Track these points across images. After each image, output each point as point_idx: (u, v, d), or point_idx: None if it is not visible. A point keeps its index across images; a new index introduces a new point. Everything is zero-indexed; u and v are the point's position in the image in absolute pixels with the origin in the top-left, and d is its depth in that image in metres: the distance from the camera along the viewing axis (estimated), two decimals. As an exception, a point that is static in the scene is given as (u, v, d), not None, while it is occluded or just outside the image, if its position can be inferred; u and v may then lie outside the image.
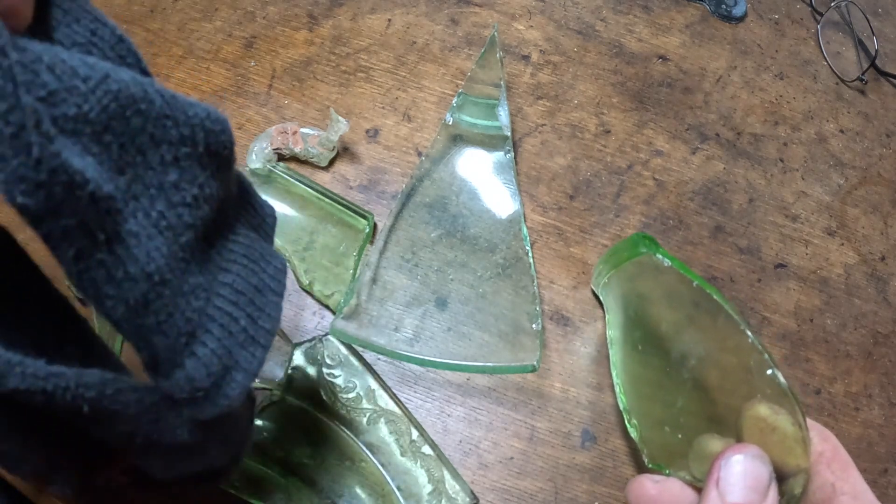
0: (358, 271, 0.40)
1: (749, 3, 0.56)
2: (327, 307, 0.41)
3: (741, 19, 0.55)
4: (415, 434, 0.37)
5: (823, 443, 0.27)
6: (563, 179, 0.46)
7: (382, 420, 0.37)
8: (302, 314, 0.41)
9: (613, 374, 0.37)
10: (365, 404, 0.37)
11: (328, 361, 0.38)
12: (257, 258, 0.22)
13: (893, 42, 0.56)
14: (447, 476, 0.36)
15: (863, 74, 0.52)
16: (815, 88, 0.53)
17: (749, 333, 0.29)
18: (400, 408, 0.38)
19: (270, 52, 0.49)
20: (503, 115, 0.45)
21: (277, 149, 0.44)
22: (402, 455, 0.36)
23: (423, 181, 0.44)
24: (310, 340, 0.39)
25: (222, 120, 0.20)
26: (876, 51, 0.52)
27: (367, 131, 0.47)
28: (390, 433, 0.37)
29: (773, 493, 0.24)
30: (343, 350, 0.39)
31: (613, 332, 0.38)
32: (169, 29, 0.50)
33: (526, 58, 0.51)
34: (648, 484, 0.29)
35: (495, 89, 0.45)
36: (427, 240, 0.42)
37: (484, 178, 0.44)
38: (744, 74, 0.52)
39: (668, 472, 0.30)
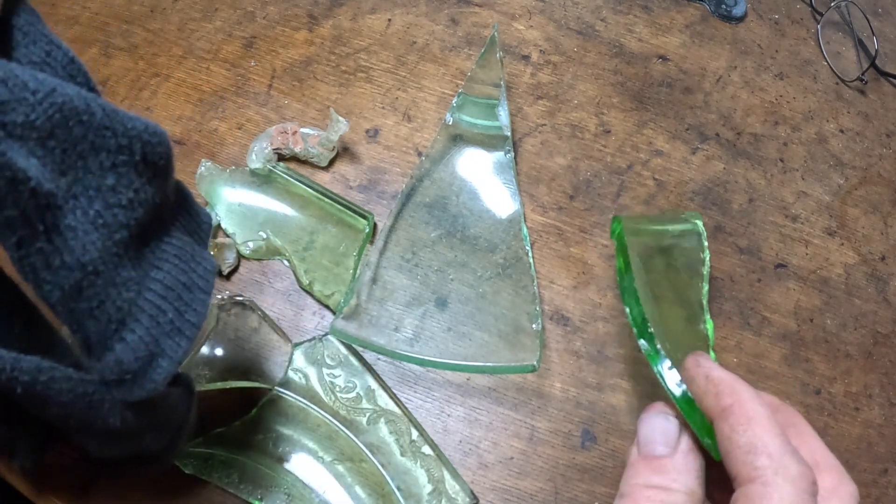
0: (358, 271, 0.40)
1: (749, 3, 0.56)
2: (327, 307, 0.41)
3: (741, 19, 0.55)
4: (415, 434, 0.37)
5: (729, 397, 0.26)
6: (563, 179, 0.46)
7: (382, 420, 0.37)
8: (302, 314, 0.41)
9: (626, 296, 0.35)
10: (365, 404, 0.37)
11: (328, 361, 0.38)
12: (188, 259, 0.25)
13: (893, 42, 0.56)
14: (447, 476, 0.36)
15: (863, 74, 0.52)
16: (815, 88, 0.53)
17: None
18: (400, 408, 0.38)
19: (270, 52, 0.49)
20: (503, 115, 0.45)
21: (277, 149, 0.44)
22: (401, 455, 0.36)
23: (423, 181, 0.44)
24: (310, 340, 0.39)
25: (160, 133, 0.23)
26: (876, 51, 0.52)
27: (367, 131, 0.47)
28: (390, 433, 0.37)
29: (684, 443, 0.27)
30: (343, 350, 0.39)
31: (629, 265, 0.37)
32: (169, 29, 0.50)
33: (526, 58, 0.51)
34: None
35: (495, 89, 0.45)
36: (427, 240, 0.42)
37: (484, 178, 0.44)
38: (744, 74, 0.52)
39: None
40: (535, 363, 0.37)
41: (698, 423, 0.27)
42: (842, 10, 0.57)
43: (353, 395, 0.38)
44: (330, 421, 0.37)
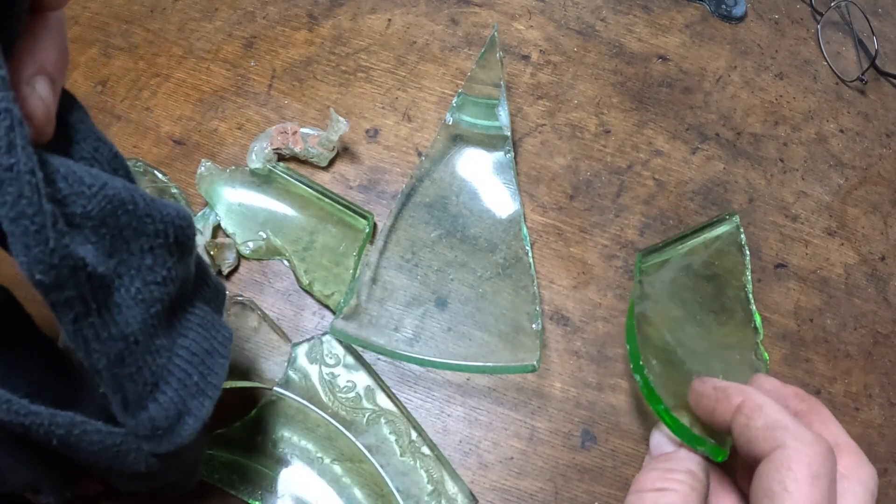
0: (358, 271, 0.40)
1: (749, 3, 0.56)
2: (327, 307, 0.41)
3: (741, 19, 0.55)
4: (414, 434, 0.37)
5: (738, 396, 0.29)
6: (563, 179, 0.46)
7: (382, 420, 0.37)
8: (302, 314, 0.41)
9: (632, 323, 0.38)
10: (364, 404, 0.37)
11: (328, 361, 0.38)
12: (209, 327, 0.28)
13: (893, 42, 0.56)
14: (446, 476, 0.36)
15: (863, 74, 0.52)
16: (815, 88, 0.53)
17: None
18: (399, 408, 0.38)
19: (270, 52, 0.49)
20: (503, 115, 0.45)
21: (277, 149, 0.44)
22: (401, 455, 0.36)
23: (423, 181, 0.44)
24: (309, 340, 0.39)
25: (188, 217, 0.26)
26: (876, 51, 0.52)
27: (367, 131, 0.47)
28: (390, 433, 0.37)
29: (682, 451, 0.32)
30: (343, 350, 0.39)
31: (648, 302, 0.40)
32: (169, 29, 0.50)
33: (526, 58, 0.51)
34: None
35: (495, 89, 0.45)
36: (427, 240, 0.42)
37: (484, 178, 0.44)
38: (744, 74, 0.52)
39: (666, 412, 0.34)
40: (535, 363, 0.37)
41: (688, 436, 0.32)
42: (842, 10, 0.57)
43: (352, 395, 0.38)
44: (329, 421, 0.37)
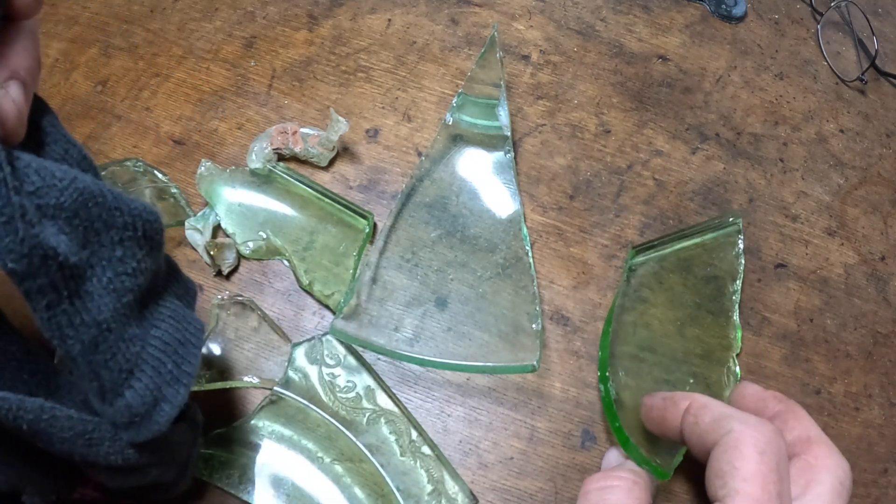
0: (358, 271, 0.40)
1: (749, 3, 0.56)
2: (327, 307, 0.41)
3: (741, 19, 0.55)
4: (414, 434, 0.37)
5: (684, 400, 0.32)
6: (563, 179, 0.46)
7: (382, 420, 0.37)
8: (302, 314, 0.41)
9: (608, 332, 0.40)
10: (364, 404, 0.37)
11: (328, 361, 0.38)
12: (181, 319, 0.29)
13: (893, 42, 0.56)
14: (446, 476, 0.36)
15: (863, 74, 0.52)
16: (815, 88, 0.53)
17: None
18: (399, 408, 0.38)
19: (270, 52, 0.49)
20: (503, 115, 0.45)
21: (277, 149, 0.44)
22: (401, 455, 0.36)
23: (423, 181, 0.44)
24: (309, 340, 0.39)
25: (155, 213, 0.27)
26: (876, 51, 0.52)
27: (367, 131, 0.47)
28: (390, 433, 0.37)
29: (628, 465, 0.34)
30: (343, 350, 0.39)
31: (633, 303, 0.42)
32: (169, 29, 0.50)
33: (526, 58, 0.51)
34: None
35: (495, 89, 0.45)
36: (427, 240, 0.42)
37: (484, 178, 0.44)
38: (744, 74, 0.52)
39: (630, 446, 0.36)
40: (535, 363, 0.37)
41: (636, 455, 0.35)
42: (842, 10, 0.57)
43: (352, 394, 0.38)
44: (329, 421, 0.37)
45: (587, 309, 0.42)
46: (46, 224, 0.22)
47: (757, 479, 0.26)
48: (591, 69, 0.51)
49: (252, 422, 0.37)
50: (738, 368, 0.39)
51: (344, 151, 0.46)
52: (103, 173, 0.41)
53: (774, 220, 0.47)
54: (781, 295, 0.44)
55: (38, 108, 0.26)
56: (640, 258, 0.42)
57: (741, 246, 0.42)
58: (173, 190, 0.42)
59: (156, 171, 0.43)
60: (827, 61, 0.54)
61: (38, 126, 0.25)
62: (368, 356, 0.39)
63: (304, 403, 0.37)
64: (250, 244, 0.41)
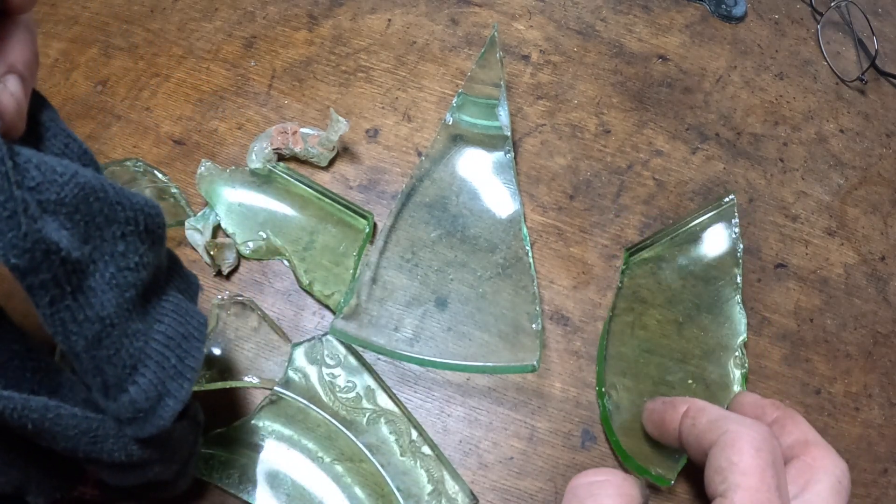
0: (358, 271, 0.40)
1: (749, 3, 0.56)
2: (327, 307, 0.41)
3: (741, 19, 0.55)
4: (414, 434, 0.37)
5: (682, 404, 0.33)
6: (563, 179, 0.46)
7: (382, 420, 0.37)
8: (302, 314, 0.41)
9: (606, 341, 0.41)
10: (365, 404, 0.37)
11: (328, 361, 0.38)
12: (184, 313, 0.29)
13: (893, 42, 0.56)
14: (447, 476, 0.36)
15: (863, 74, 0.52)
16: (815, 88, 0.53)
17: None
18: (399, 408, 0.38)
19: (270, 52, 0.49)
20: (503, 115, 0.45)
21: (277, 149, 0.44)
22: (401, 455, 0.36)
23: (423, 181, 0.44)
24: (310, 340, 0.39)
25: (156, 206, 0.27)
26: (876, 51, 0.52)
27: (367, 131, 0.47)
28: (390, 433, 0.37)
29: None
30: (343, 350, 0.39)
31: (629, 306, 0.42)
32: (169, 29, 0.50)
33: (526, 58, 0.51)
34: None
35: (495, 89, 0.45)
36: (427, 240, 0.42)
37: (484, 178, 0.44)
38: (744, 74, 0.52)
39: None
40: (535, 363, 0.37)
41: (634, 465, 0.36)
42: (842, 10, 0.57)
43: (352, 394, 0.38)
44: (329, 421, 0.37)
45: (587, 309, 0.42)
46: (48, 219, 0.22)
47: (755, 472, 0.27)
48: (591, 69, 0.51)
49: (252, 422, 0.37)
50: (745, 358, 0.40)
51: (344, 151, 0.46)
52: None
53: (774, 220, 0.47)
54: (781, 295, 0.44)
55: (38, 103, 0.25)
56: (636, 259, 0.42)
57: (737, 229, 0.42)
58: (173, 190, 0.42)
59: (156, 171, 0.43)
60: (827, 61, 0.54)
61: (38, 121, 0.25)
62: (368, 356, 0.39)
63: (304, 403, 0.37)
64: (250, 244, 0.41)
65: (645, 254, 0.42)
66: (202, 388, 0.37)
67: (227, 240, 0.41)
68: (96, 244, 0.24)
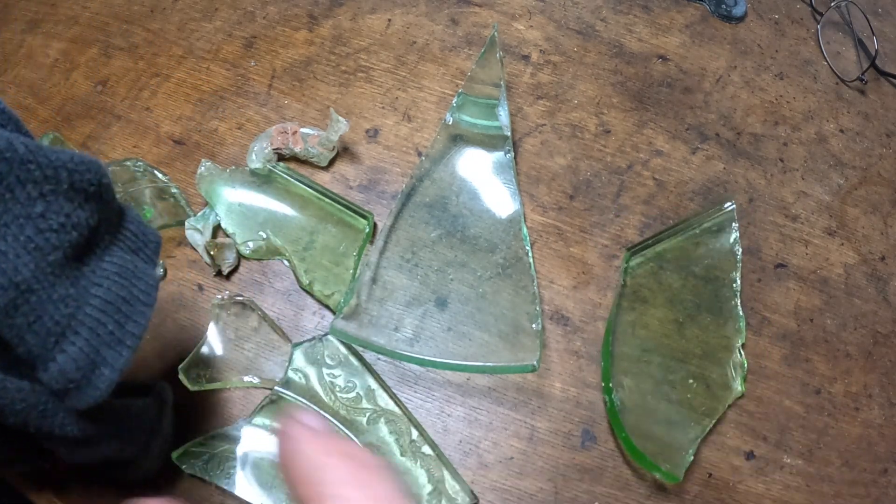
0: (358, 271, 0.40)
1: (749, 3, 0.56)
2: (327, 307, 0.41)
3: (741, 19, 0.55)
4: (414, 434, 0.37)
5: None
6: (563, 179, 0.46)
7: (382, 420, 0.37)
8: (302, 314, 0.41)
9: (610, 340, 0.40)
10: (365, 404, 0.37)
11: (328, 361, 0.38)
12: (129, 275, 0.27)
13: (893, 42, 0.56)
14: (447, 476, 0.36)
15: (863, 74, 0.52)
16: (815, 88, 0.53)
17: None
18: (400, 408, 0.38)
19: (270, 52, 0.49)
20: (503, 115, 0.45)
21: (277, 149, 0.44)
22: (401, 455, 0.36)
23: (423, 181, 0.44)
24: (310, 340, 0.39)
25: (87, 161, 0.25)
26: (876, 51, 0.52)
27: (367, 131, 0.47)
28: (390, 433, 0.37)
29: None
30: (343, 350, 0.39)
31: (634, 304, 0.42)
32: (169, 29, 0.50)
33: (526, 58, 0.51)
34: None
35: (495, 89, 0.45)
36: (427, 240, 0.42)
37: (484, 178, 0.44)
38: (744, 74, 0.52)
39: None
40: (535, 363, 0.37)
41: (644, 462, 0.36)
42: (842, 10, 0.57)
43: (352, 395, 0.38)
44: (330, 421, 0.37)
45: (587, 309, 0.42)
46: None
47: None
48: (591, 69, 0.51)
49: (252, 422, 0.37)
50: (744, 360, 0.40)
51: (344, 151, 0.46)
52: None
53: (774, 220, 0.47)
54: (781, 295, 0.44)
55: None
56: (637, 259, 0.42)
57: (736, 234, 0.42)
58: (173, 190, 0.42)
59: (156, 171, 0.43)
60: (827, 61, 0.54)
61: None
62: (368, 356, 0.39)
63: (304, 403, 0.37)
64: (250, 244, 0.41)
65: (646, 254, 0.43)
66: (202, 389, 0.37)
67: (227, 240, 0.41)
68: (7, 206, 0.23)
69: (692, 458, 0.37)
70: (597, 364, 0.41)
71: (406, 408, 0.38)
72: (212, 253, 0.40)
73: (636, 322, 0.40)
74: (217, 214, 0.42)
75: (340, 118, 0.42)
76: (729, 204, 0.43)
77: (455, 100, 0.45)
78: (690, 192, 0.47)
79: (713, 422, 0.39)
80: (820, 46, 0.55)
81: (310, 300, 0.41)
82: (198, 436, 0.36)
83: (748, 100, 0.51)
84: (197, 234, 0.41)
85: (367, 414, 0.37)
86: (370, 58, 0.49)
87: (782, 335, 0.43)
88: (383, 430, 0.37)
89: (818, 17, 0.56)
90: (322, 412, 0.37)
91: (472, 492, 0.36)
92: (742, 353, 0.40)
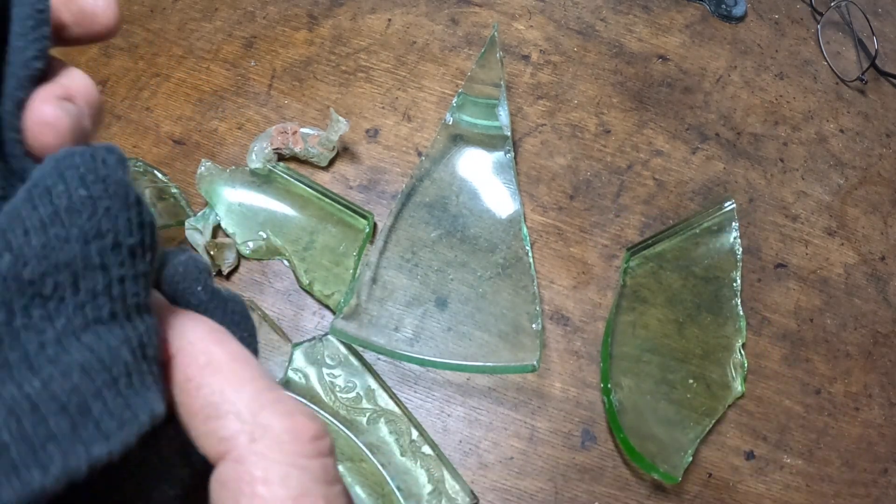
0: (358, 271, 0.40)
1: (749, 3, 0.56)
2: (327, 307, 0.41)
3: (741, 19, 0.55)
4: (415, 434, 0.37)
5: (178, 340, 0.18)
6: (563, 179, 0.46)
7: (382, 420, 0.37)
8: (302, 314, 0.41)
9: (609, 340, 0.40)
10: (365, 404, 0.37)
11: (328, 361, 0.38)
12: None
13: (893, 42, 0.56)
14: (447, 476, 0.36)
15: (863, 74, 0.52)
16: (815, 88, 0.53)
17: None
18: (400, 408, 0.38)
19: (270, 52, 0.49)
20: (503, 115, 0.45)
21: (277, 149, 0.44)
22: (402, 455, 0.36)
23: (423, 181, 0.44)
24: (310, 340, 0.39)
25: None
26: (876, 51, 0.52)
27: (367, 131, 0.47)
28: (390, 433, 0.37)
29: None
30: (343, 350, 0.39)
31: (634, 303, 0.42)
32: (169, 29, 0.50)
33: (526, 58, 0.51)
34: None
35: (495, 89, 0.45)
36: (427, 240, 0.42)
37: (484, 178, 0.44)
38: (744, 74, 0.52)
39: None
40: (535, 363, 0.37)
41: (642, 463, 0.36)
42: (842, 10, 0.57)
43: (353, 395, 0.38)
44: (330, 421, 0.37)
45: (587, 309, 0.42)
46: None
47: None
48: (591, 69, 0.51)
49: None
50: (745, 360, 0.40)
51: (344, 151, 0.46)
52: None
53: (774, 220, 0.47)
54: (781, 295, 0.44)
55: None
56: (637, 259, 0.42)
57: (736, 234, 0.42)
58: (173, 190, 0.42)
59: (156, 171, 0.42)
60: (827, 61, 0.54)
61: None
62: (368, 356, 0.39)
63: (304, 403, 0.37)
64: (250, 244, 0.41)
65: (646, 254, 0.43)
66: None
67: (227, 240, 0.41)
68: None
69: (691, 458, 0.36)
70: (597, 364, 0.41)
71: (406, 408, 0.38)
72: (212, 253, 0.40)
73: (636, 322, 0.40)
74: (217, 214, 0.42)
75: (340, 118, 0.42)
76: (729, 204, 0.43)
77: (455, 100, 0.45)
78: (690, 192, 0.47)
79: (713, 422, 0.39)
80: (820, 46, 0.55)
81: (310, 300, 0.41)
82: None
83: (748, 100, 0.51)
84: (197, 234, 0.41)
85: (367, 414, 0.37)
86: (370, 58, 0.49)
87: (782, 335, 0.43)
88: (383, 429, 0.37)
89: (818, 17, 0.56)
90: (322, 412, 0.37)
91: (472, 492, 0.36)
92: (742, 353, 0.40)
